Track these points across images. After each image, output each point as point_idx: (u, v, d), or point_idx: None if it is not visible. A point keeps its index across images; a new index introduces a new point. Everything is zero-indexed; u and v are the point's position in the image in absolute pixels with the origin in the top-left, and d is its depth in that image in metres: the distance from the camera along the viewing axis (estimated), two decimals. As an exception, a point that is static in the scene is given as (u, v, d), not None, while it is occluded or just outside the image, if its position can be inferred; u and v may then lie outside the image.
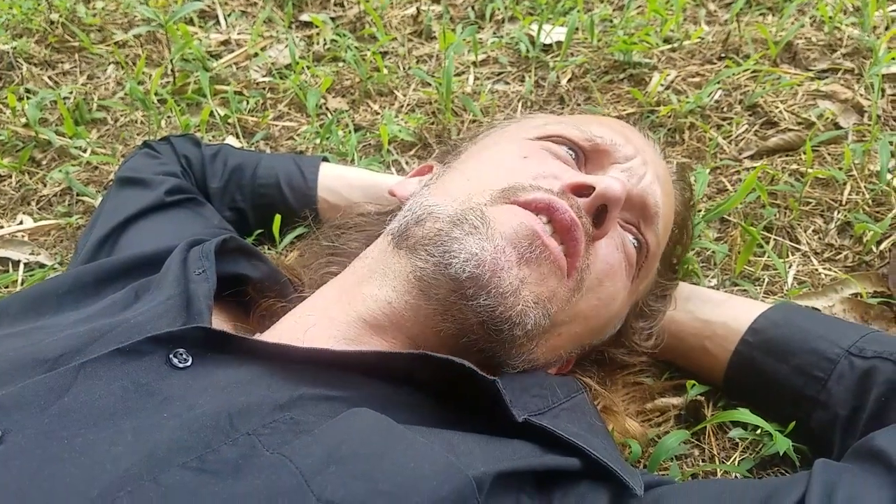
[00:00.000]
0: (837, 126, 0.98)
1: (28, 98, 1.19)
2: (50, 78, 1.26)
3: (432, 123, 1.09)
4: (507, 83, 1.17)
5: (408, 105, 1.15)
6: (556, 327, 0.56)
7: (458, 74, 1.19)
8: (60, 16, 1.35)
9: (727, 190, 0.92)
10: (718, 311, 0.69)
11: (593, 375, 0.67)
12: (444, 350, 0.52)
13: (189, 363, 0.46)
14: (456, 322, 0.52)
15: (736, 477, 0.64)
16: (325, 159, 0.92)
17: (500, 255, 0.50)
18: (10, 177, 1.06)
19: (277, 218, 0.85)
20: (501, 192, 0.55)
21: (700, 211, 0.86)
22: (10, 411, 0.40)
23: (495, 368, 0.55)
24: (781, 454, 0.62)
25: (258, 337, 0.55)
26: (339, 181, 0.87)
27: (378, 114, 1.14)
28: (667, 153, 0.69)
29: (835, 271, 0.81)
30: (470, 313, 0.51)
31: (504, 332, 0.52)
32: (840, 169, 0.90)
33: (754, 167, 0.94)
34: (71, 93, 1.20)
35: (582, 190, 0.56)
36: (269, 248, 0.90)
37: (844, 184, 0.89)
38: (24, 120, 1.14)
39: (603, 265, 0.57)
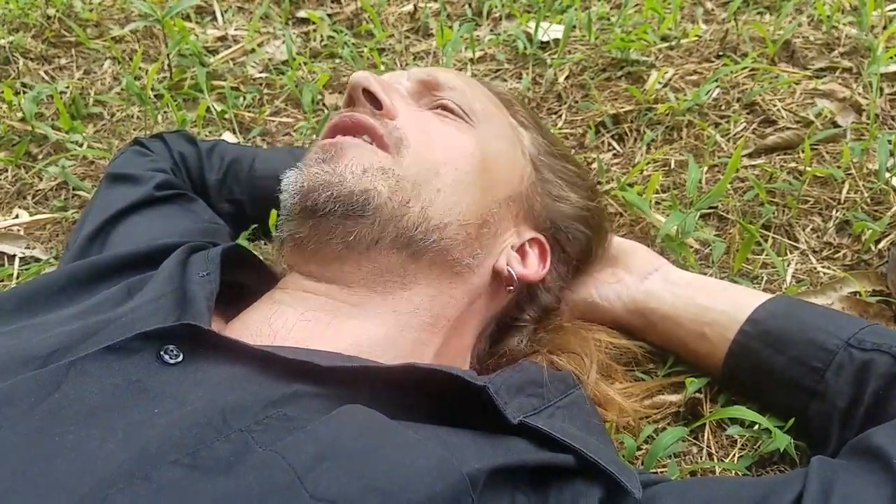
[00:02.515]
0: (835, 125, 0.98)
1: (24, 92, 1.18)
2: (46, 72, 1.26)
3: (430, 120, 1.09)
4: (505, 80, 1.17)
5: (405, 102, 1.14)
6: (426, 184, 0.58)
7: (456, 71, 1.19)
8: (57, 11, 1.35)
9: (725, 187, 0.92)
10: (718, 299, 0.68)
11: (585, 356, 0.67)
12: (362, 267, 0.57)
13: (180, 359, 0.46)
14: (332, 234, 0.56)
15: (735, 475, 0.64)
16: None
17: (304, 168, 0.58)
18: (6, 171, 1.06)
19: (273, 213, 0.85)
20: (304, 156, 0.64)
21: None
22: (0, 407, 0.40)
23: (423, 258, 0.58)
24: (781, 451, 0.61)
25: (228, 330, 0.56)
26: None
27: (376, 110, 1.13)
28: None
29: (833, 270, 0.81)
30: (329, 217, 0.56)
31: (367, 207, 0.56)
32: (838, 167, 0.90)
33: (753, 165, 0.94)
34: (67, 87, 1.20)
35: (349, 101, 0.63)
36: (265, 244, 0.90)
37: (843, 182, 0.89)
38: (20, 114, 1.13)
39: (415, 123, 0.61)
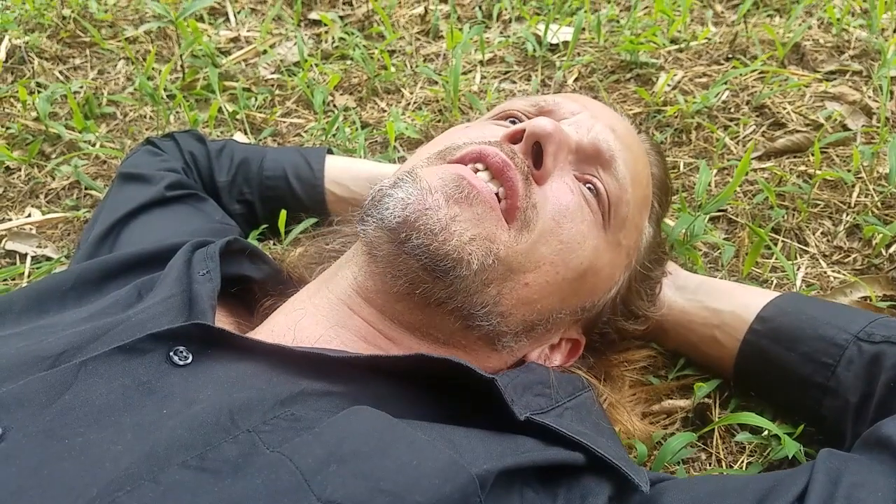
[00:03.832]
0: (846, 128, 0.97)
1: (39, 92, 1.19)
2: (61, 72, 1.27)
3: (439, 121, 1.09)
4: (514, 82, 1.17)
5: (414, 103, 1.15)
6: (518, 274, 0.54)
7: (465, 73, 1.19)
8: (72, 11, 1.36)
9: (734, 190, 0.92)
10: (727, 300, 0.68)
11: (600, 369, 0.67)
12: (413, 314, 0.54)
13: (189, 360, 0.46)
14: (404, 275, 0.53)
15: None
16: (330, 151, 0.92)
17: (426, 196, 0.52)
18: (20, 170, 1.07)
19: (283, 213, 0.85)
20: (437, 155, 0.58)
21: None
22: (11, 408, 0.40)
23: (473, 332, 0.56)
24: (790, 458, 0.61)
25: (253, 333, 0.56)
26: (344, 173, 0.87)
27: (385, 111, 1.14)
28: (646, 134, 0.68)
29: (844, 274, 0.80)
30: (411, 260, 0.52)
31: (450, 273, 0.51)
32: (849, 171, 0.90)
33: (763, 168, 0.94)
34: (81, 87, 1.21)
35: (516, 137, 0.57)
36: (274, 244, 0.90)
37: (853, 186, 0.89)
38: (34, 113, 1.14)
39: (555, 205, 0.56)
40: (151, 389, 0.43)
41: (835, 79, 1.07)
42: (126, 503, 0.36)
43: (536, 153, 0.56)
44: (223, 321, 0.61)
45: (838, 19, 1.15)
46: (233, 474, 0.38)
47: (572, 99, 0.65)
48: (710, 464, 0.66)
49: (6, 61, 1.27)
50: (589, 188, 0.59)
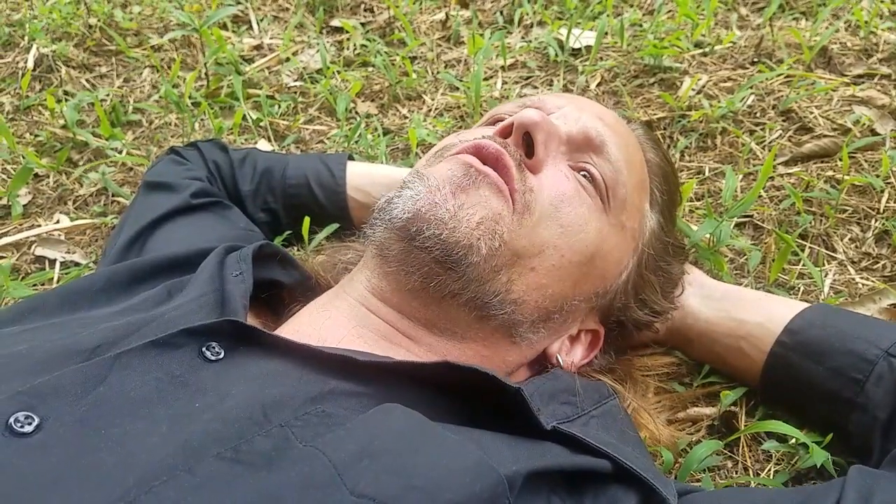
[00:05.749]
0: (874, 132, 0.96)
1: (66, 100, 1.21)
2: (88, 80, 1.29)
3: (460, 127, 1.09)
4: (536, 87, 1.17)
5: (436, 109, 1.15)
6: (525, 259, 0.56)
7: (486, 79, 1.19)
8: (98, 20, 1.38)
9: (760, 196, 0.91)
10: (754, 311, 0.67)
11: (625, 375, 0.66)
12: (429, 309, 0.55)
13: (221, 356, 0.47)
14: (417, 270, 0.54)
15: (769, 488, 0.63)
16: (351, 157, 0.93)
17: (434, 191, 0.54)
18: (48, 176, 1.09)
19: (306, 220, 0.86)
20: (435, 155, 0.61)
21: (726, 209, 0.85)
22: (48, 399, 0.41)
23: (489, 323, 0.57)
24: (818, 467, 0.60)
25: (277, 332, 0.56)
26: (365, 179, 0.88)
27: (407, 118, 1.14)
28: (668, 138, 0.68)
29: (872, 281, 0.79)
30: (423, 253, 0.53)
31: (461, 262, 0.53)
32: (878, 176, 0.88)
33: (789, 173, 0.93)
34: (108, 95, 1.23)
35: (506, 131, 0.59)
36: (298, 250, 0.91)
37: (882, 191, 0.87)
38: (62, 121, 1.16)
39: (552, 191, 0.57)
40: (184, 383, 0.44)
41: (863, 82, 1.05)
42: (162, 493, 0.36)
43: (528, 144, 0.58)
44: (252, 323, 0.61)
45: (866, 22, 1.13)
46: (267, 467, 0.39)
47: (557, 95, 0.67)
48: (736, 472, 0.65)
49: (34, 70, 1.29)
50: (584, 175, 0.60)
